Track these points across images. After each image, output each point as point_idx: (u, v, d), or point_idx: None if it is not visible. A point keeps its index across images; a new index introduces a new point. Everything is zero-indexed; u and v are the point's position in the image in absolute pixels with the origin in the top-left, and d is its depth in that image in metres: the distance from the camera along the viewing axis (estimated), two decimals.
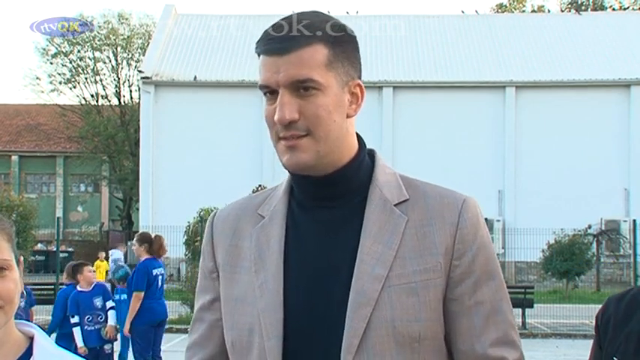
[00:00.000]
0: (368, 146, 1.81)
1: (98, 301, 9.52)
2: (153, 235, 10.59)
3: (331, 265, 1.69)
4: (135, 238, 10.57)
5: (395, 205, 1.72)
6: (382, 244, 1.69)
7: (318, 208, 1.74)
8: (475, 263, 1.71)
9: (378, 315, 1.65)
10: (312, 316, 1.68)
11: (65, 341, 9.15)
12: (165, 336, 12.13)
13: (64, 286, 10.32)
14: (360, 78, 1.76)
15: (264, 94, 1.72)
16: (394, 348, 1.65)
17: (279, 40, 1.69)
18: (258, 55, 1.72)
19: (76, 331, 9.35)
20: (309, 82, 1.67)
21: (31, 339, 1.78)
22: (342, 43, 1.71)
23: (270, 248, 1.74)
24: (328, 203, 1.74)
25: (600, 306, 2.15)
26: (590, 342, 2.19)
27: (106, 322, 9.52)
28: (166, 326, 11.88)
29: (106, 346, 9.64)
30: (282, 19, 1.73)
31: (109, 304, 9.61)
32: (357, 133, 1.80)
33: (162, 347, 11.38)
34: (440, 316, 1.69)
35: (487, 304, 1.71)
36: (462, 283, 1.70)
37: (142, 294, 9.86)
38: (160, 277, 10.14)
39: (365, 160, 1.78)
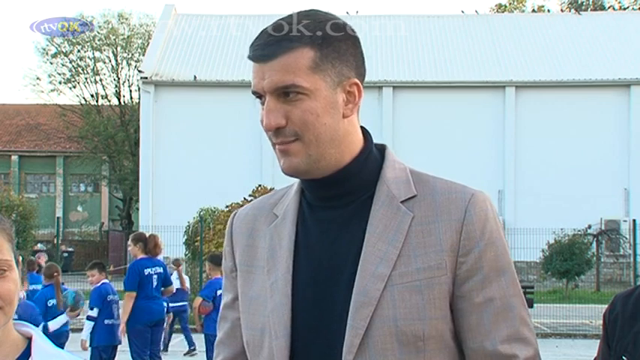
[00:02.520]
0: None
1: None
2: (147, 235, 10.65)
3: (336, 265, 1.69)
4: (130, 238, 10.63)
5: (402, 202, 1.70)
6: (386, 243, 1.67)
7: (325, 208, 1.74)
8: (483, 260, 1.67)
9: (379, 314, 1.63)
10: (318, 315, 1.68)
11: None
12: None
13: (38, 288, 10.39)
14: (359, 76, 1.73)
15: (258, 98, 1.72)
16: (397, 347, 1.63)
17: (262, 47, 1.68)
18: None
19: (89, 325, 9.42)
20: (292, 87, 1.65)
21: (29, 339, 1.78)
22: (332, 43, 1.68)
23: (282, 248, 1.75)
24: (334, 202, 1.73)
25: (601, 306, 2.16)
26: (590, 342, 2.20)
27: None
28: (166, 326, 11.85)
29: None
30: (279, 20, 1.72)
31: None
32: (365, 130, 1.78)
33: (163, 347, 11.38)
34: (446, 314, 1.67)
35: (497, 300, 1.67)
36: (469, 280, 1.67)
37: (134, 294, 9.85)
38: (156, 275, 10.13)
39: (371, 156, 1.75)
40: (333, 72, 1.68)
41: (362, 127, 1.78)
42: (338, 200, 1.73)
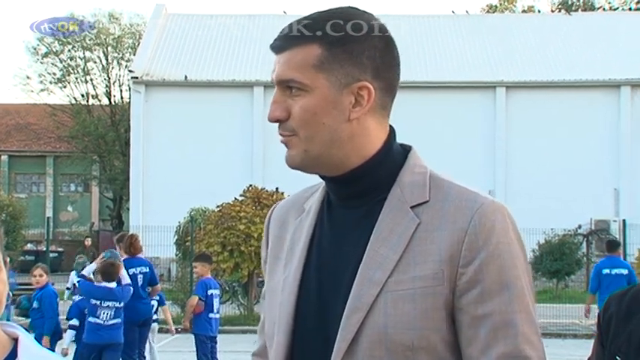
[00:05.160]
0: None
1: None
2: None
3: (340, 266, 1.67)
4: (115, 240, 10.87)
5: (412, 207, 1.65)
6: (388, 248, 1.63)
7: (341, 207, 1.73)
8: (483, 272, 1.59)
9: (370, 321, 1.60)
10: (318, 316, 1.68)
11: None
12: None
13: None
14: (377, 79, 1.69)
15: None
16: (385, 356, 1.59)
17: (278, 39, 1.71)
18: None
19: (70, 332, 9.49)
20: (291, 82, 1.66)
21: (16, 340, 1.76)
22: (345, 43, 1.66)
23: (299, 243, 1.75)
24: (348, 202, 1.72)
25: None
26: (581, 341, 2.21)
27: None
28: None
29: None
30: (308, 15, 1.73)
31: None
32: (391, 131, 1.75)
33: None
34: (440, 327, 1.60)
35: (496, 315, 1.59)
36: (467, 293, 1.59)
37: None
38: (141, 275, 10.24)
39: (389, 159, 1.71)
40: (340, 72, 1.66)
41: (391, 127, 1.76)
42: (352, 200, 1.71)
